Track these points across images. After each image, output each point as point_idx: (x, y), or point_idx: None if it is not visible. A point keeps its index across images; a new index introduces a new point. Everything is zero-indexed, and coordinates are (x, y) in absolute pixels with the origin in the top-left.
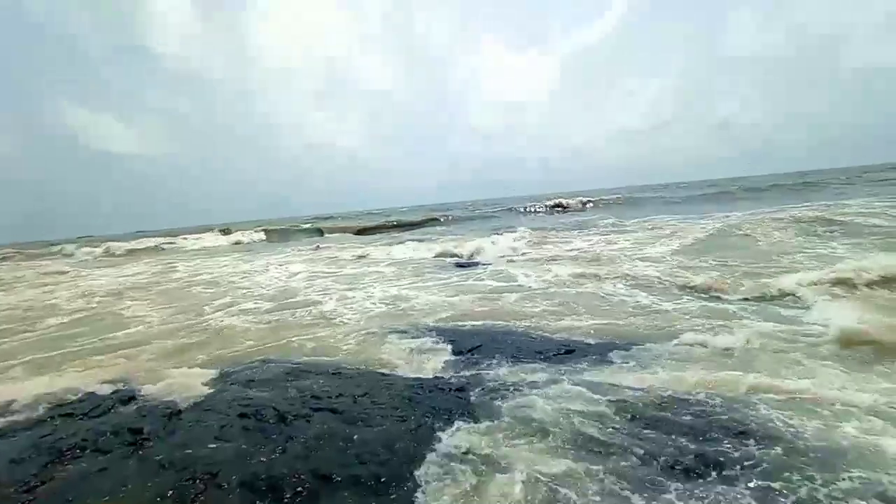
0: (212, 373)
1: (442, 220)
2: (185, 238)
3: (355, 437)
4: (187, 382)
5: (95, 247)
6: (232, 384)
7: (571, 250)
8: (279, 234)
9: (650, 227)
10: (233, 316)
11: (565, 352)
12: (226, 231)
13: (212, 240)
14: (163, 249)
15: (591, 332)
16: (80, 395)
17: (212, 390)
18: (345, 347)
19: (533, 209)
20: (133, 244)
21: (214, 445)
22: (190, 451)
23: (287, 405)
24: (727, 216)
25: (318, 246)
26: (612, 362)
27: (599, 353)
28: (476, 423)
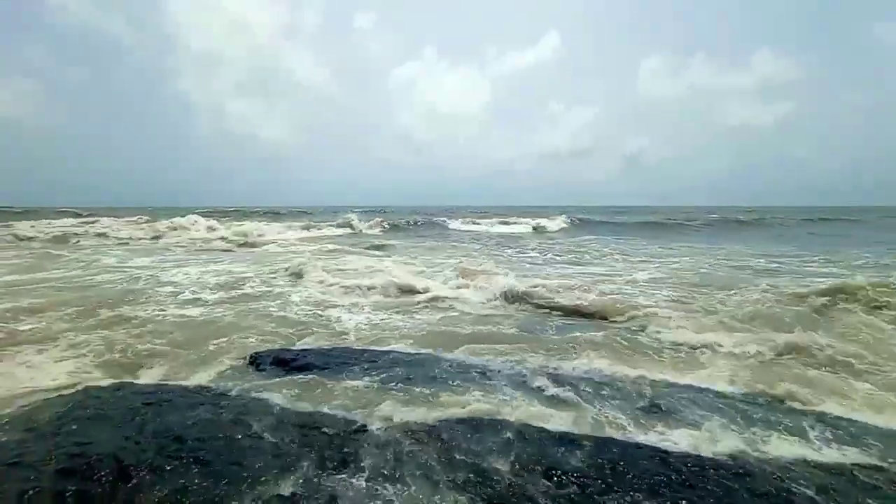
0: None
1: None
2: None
3: None
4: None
5: None
6: (71, 418)
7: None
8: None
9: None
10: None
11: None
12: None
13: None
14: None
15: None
16: None
17: (40, 428)
18: (224, 370)
19: (468, 227)
20: None
21: None
22: None
23: (136, 453)
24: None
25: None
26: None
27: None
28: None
